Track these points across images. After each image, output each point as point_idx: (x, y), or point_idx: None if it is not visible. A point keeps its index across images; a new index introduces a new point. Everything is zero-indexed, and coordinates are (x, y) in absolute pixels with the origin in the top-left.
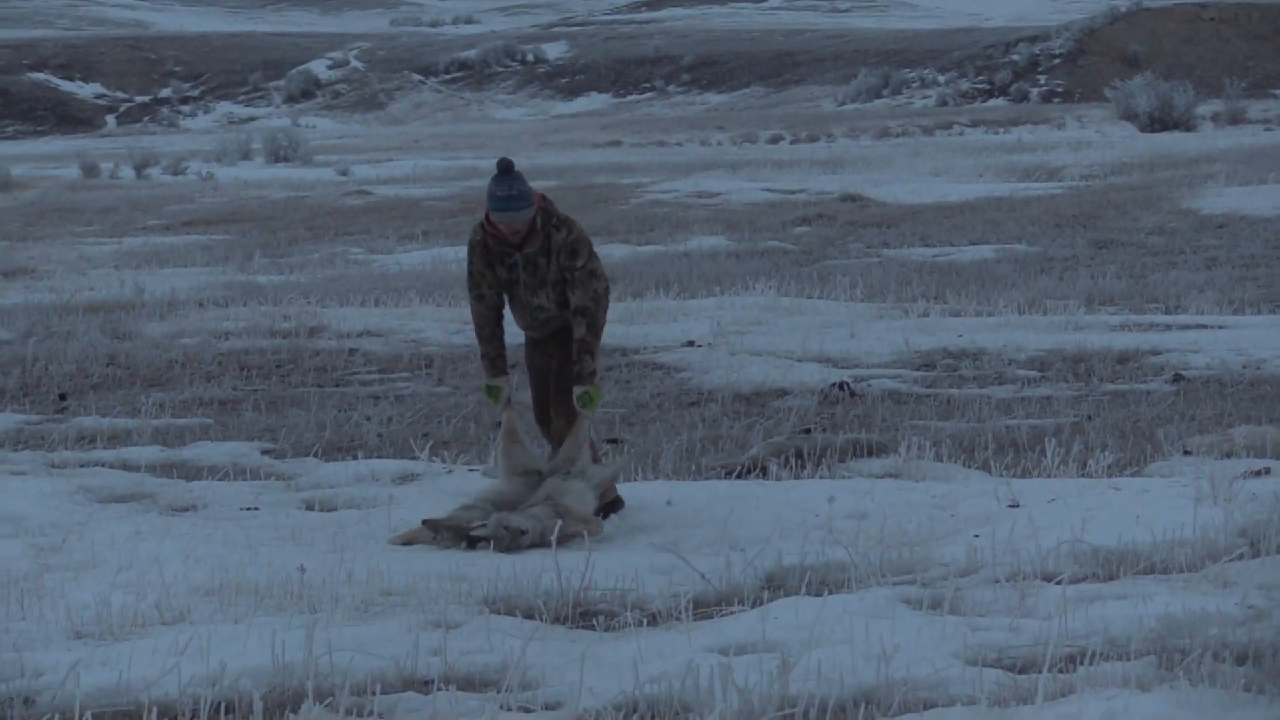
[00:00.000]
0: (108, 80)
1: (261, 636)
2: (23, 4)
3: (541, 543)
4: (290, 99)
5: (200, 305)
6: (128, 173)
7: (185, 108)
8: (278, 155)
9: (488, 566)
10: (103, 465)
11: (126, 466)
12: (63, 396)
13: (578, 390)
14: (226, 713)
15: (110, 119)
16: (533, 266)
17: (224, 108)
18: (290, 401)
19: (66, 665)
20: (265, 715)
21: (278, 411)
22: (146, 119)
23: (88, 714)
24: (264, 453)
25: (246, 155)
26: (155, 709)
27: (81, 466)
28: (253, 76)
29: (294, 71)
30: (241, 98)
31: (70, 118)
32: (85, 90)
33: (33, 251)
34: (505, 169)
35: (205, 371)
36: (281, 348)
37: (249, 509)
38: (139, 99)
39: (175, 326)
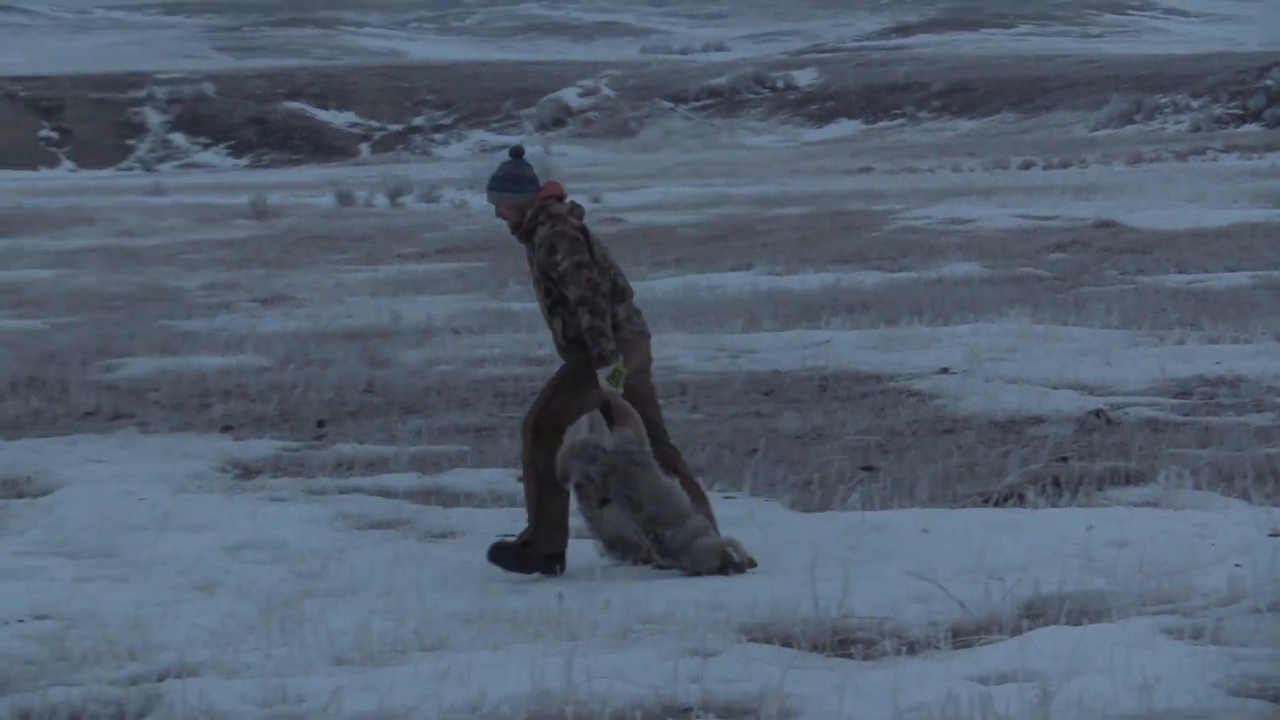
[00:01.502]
0: (362, 109)
1: (521, 663)
2: (278, 33)
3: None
4: (542, 126)
5: (455, 332)
6: (382, 200)
7: (438, 136)
8: None
9: (745, 594)
10: (361, 492)
11: (385, 493)
12: (321, 424)
13: (604, 372)
14: None
15: (364, 147)
16: (529, 261)
17: (476, 135)
18: None
19: (328, 691)
20: None
21: None
22: (400, 147)
23: None
24: (520, 480)
25: None
26: None
27: (340, 493)
28: (505, 104)
29: (545, 99)
30: (494, 125)
31: (325, 146)
32: (340, 119)
33: (290, 279)
34: (513, 153)
35: (461, 398)
36: (536, 375)
37: (506, 536)
38: (392, 127)
39: (431, 354)
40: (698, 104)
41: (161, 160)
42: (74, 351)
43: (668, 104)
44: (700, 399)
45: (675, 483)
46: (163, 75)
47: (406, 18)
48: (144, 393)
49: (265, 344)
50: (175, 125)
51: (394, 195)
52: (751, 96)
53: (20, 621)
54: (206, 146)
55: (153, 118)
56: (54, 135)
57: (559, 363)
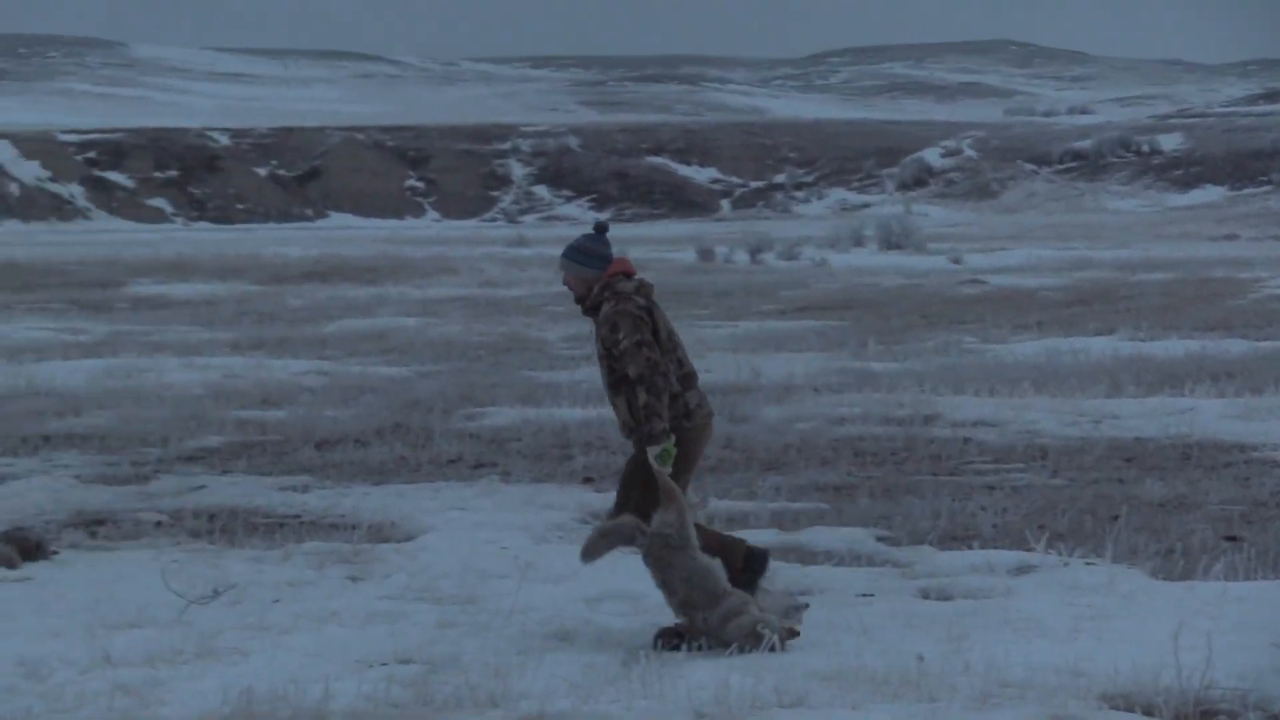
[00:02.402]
0: (723, 165)
1: None
2: (642, 89)
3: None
4: (903, 186)
5: (815, 390)
6: (742, 257)
7: (799, 194)
8: (890, 243)
9: (1106, 661)
10: None
11: None
12: None
13: (654, 450)
14: None
15: (725, 203)
16: (595, 336)
17: (837, 194)
18: (905, 489)
19: None
20: None
21: (892, 499)
22: (761, 204)
23: None
24: (879, 539)
25: (859, 242)
26: None
27: None
28: (866, 163)
29: (907, 159)
30: (855, 184)
31: (686, 201)
32: (701, 175)
33: None
34: (598, 228)
35: (820, 457)
36: (896, 435)
37: (865, 595)
38: (753, 184)
39: (791, 411)
40: (1061, 166)
41: (524, 212)
42: (438, 399)
43: (1030, 166)
44: (1061, 464)
45: (716, 563)
46: (527, 128)
47: (770, 75)
48: (506, 442)
49: None
50: (539, 177)
51: (754, 252)
52: (1116, 160)
53: (384, 665)
54: (569, 199)
55: (517, 169)
56: (420, 185)
57: (918, 423)
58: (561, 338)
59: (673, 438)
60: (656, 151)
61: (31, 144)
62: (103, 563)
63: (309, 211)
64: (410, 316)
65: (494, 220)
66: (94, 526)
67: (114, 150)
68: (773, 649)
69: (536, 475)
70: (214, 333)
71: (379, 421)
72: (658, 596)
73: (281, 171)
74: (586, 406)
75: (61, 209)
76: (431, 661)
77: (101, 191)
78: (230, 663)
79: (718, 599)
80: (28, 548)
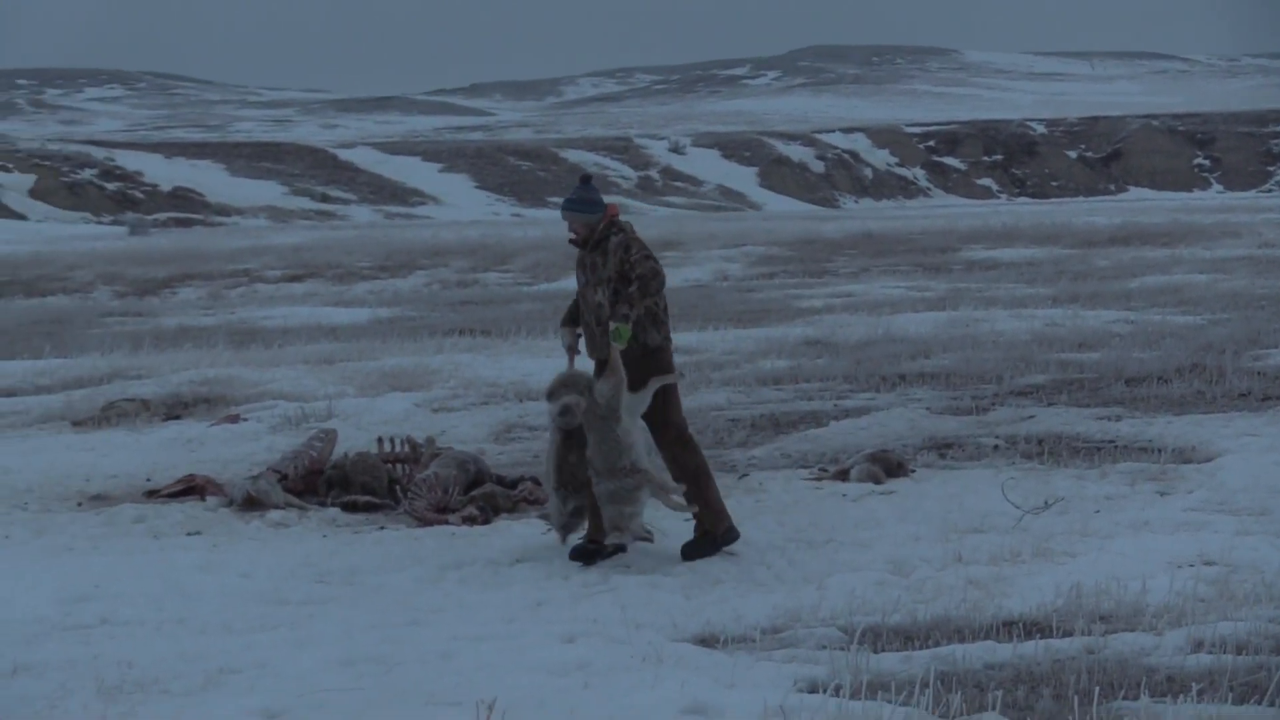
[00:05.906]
0: None
1: None
2: None
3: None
4: None
5: None
6: None
7: None
8: None
9: None
10: None
11: None
12: None
13: (612, 325)
14: None
15: None
16: (592, 266)
17: None
18: None
19: None
20: None
21: None
22: None
23: None
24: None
25: None
26: None
27: None
28: None
29: None
30: None
31: None
32: None
33: None
34: (583, 179)
35: None
36: None
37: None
38: None
39: None
40: None
41: None
42: (1228, 342)
43: None
44: None
45: (635, 442)
46: None
47: None
48: None
49: None
50: None
51: None
52: None
53: (1191, 566)
54: None
55: None
56: (1205, 163)
57: None
58: None
59: (630, 326)
60: None
61: (882, 135)
62: (951, 479)
63: (1111, 187)
64: (1201, 273)
65: (1270, 190)
66: (943, 449)
67: (949, 139)
68: (618, 548)
69: None
70: (1036, 289)
71: (1178, 362)
72: None
73: (1088, 154)
74: None
75: (906, 188)
76: (1232, 563)
77: (939, 174)
78: (1060, 562)
79: (613, 473)
80: (891, 466)
